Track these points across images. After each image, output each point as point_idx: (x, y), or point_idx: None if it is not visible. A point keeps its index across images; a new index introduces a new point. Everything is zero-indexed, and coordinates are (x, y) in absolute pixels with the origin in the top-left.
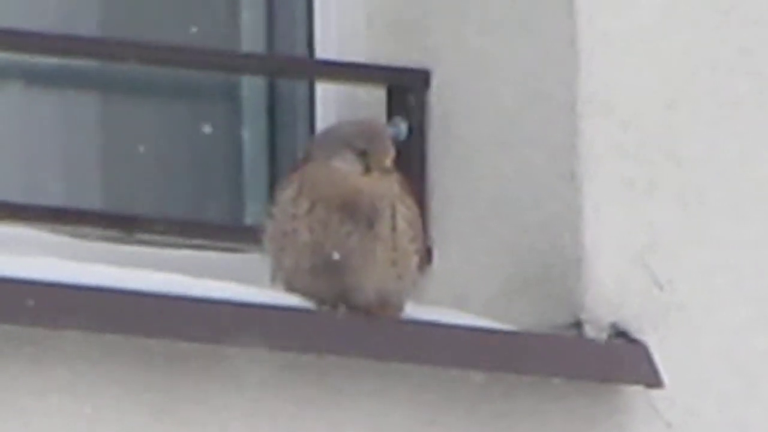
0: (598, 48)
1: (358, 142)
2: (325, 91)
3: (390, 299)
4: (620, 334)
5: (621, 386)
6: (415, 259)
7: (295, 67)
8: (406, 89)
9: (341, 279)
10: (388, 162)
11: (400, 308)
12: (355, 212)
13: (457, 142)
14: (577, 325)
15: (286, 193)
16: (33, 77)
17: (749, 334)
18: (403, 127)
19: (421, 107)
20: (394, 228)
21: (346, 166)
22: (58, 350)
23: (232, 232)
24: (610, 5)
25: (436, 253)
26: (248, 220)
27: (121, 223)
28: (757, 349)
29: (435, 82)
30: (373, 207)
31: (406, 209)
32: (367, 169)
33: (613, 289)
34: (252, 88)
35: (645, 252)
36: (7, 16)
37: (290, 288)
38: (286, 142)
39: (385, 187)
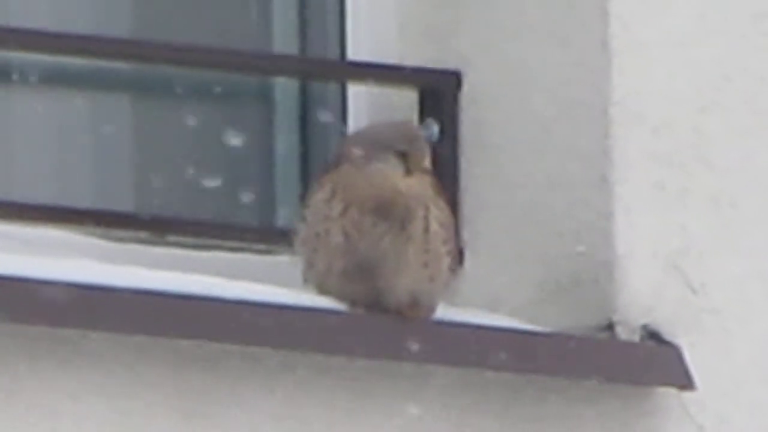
0: (631, 53)
1: (399, 144)
2: (357, 93)
3: (421, 301)
4: (652, 336)
5: (653, 389)
6: (447, 261)
7: (327, 69)
8: (438, 91)
9: (373, 281)
10: (427, 162)
11: (432, 310)
12: (389, 214)
13: (489, 146)
14: (610, 327)
15: (319, 196)
16: (65, 79)
17: None
18: (435, 129)
19: (453, 110)
20: (426, 229)
21: (387, 168)
22: (89, 352)
23: (263, 235)
24: (643, 11)
25: (468, 256)
26: (280, 223)
27: (152, 225)
28: None
29: (467, 85)
30: (407, 208)
31: (438, 211)
32: (408, 171)
33: (645, 292)
34: (284, 90)
35: (677, 256)
36: (39, 18)
37: (322, 290)
38: (319, 144)
39: (421, 188)
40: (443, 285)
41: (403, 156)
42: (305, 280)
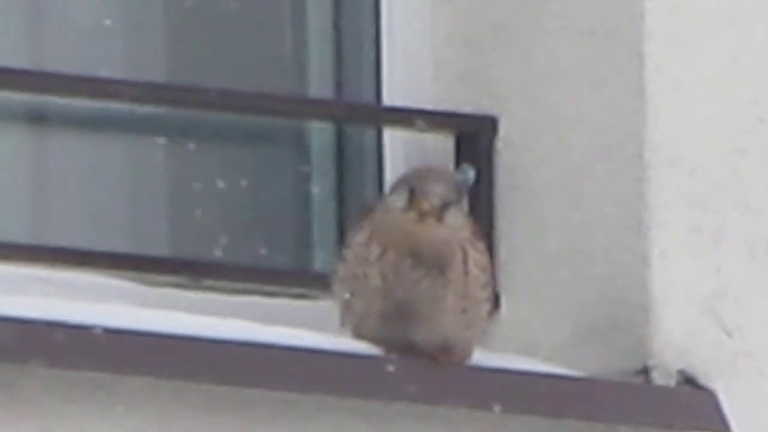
0: (666, 97)
1: (411, 180)
2: (393, 137)
3: (456, 347)
4: (688, 380)
5: None
6: (485, 308)
7: (362, 113)
8: (474, 136)
9: (410, 325)
10: (426, 206)
11: (467, 356)
12: (427, 258)
13: (524, 190)
14: (645, 371)
15: (358, 237)
16: (100, 124)
17: None
18: (471, 173)
19: (489, 154)
20: (466, 273)
21: (395, 201)
22: (125, 396)
23: (300, 279)
24: (678, 54)
25: (503, 300)
26: (317, 267)
27: (188, 270)
28: None
29: (502, 129)
30: (437, 252)
31: (478, 254)
32: (408, 207)
33: (681, 336)
34: (320, 134)
35: (713, 299)
36: (74, 61)
37: (359, 332)
38: (355, 188)
39: (446, 232)
40: (480, 331)
41: (411, 192)
42: (342, 322)
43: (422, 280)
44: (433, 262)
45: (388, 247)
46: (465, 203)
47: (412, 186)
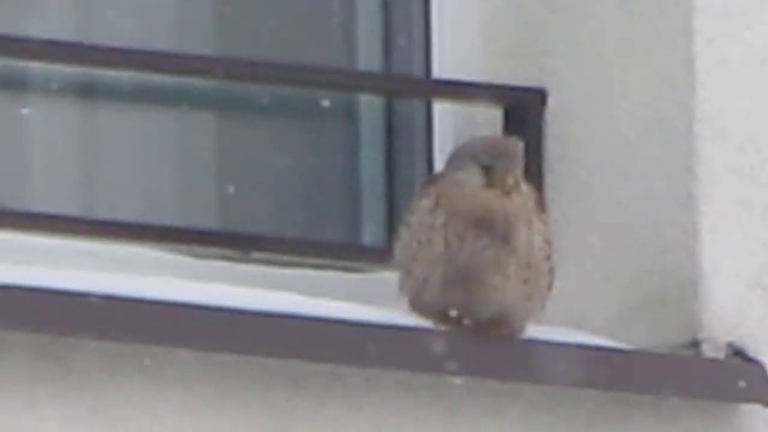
0: (716, 70)
1: (483, 157)
2: (442, 110)
3: (513, 318)
4: (737, 353)
5: (738, 405)
6: (546, 280)
7: (412, 86)
8: (522, 109)
9: (470, 292)
10: (510, 180)
11: (519, 330)
12: (491, 227)
13: (573, 163)
14: (695, 344)
15: (424, 203)
16: (150, 97)
17: None
18: (520, 146)
19: (538, 127)
20: (531, 244)
21: (469, 179)
22: (174, 370)
23: (349, 252)
24: (727, 29)
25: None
26: (366, 240)
27: (238, 243)
28: None
29: (551, 102)
30: (507, 222)
31: (542, 225)
32: (489, 185)
33: (730, 309)
34: (369, 107)
35: (762, 273)
36: (124, 35)
37: (416, 300)
38: (404, 161)
39: (517, 203)
40: (538, 305)
41: (487, 169)
42: (400, 289)
43: (487, 249)
44: (500, 231)
45: (454, 215)
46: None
47: (487, 163)
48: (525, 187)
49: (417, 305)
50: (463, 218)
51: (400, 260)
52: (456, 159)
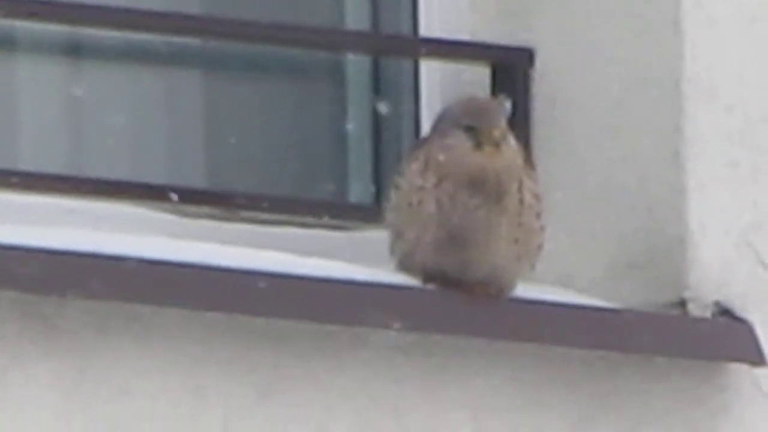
0: (704, 31)
1: (465, 119)
2: (429, 69)
3: (503, 278)
4: (724, 312)
5: (725, 365)
6: (537, 240)
7: (399, 45)
8: (510, 68)
9: (462, 252)
10: (496, 133)
11: (510, 289)
12: (484, 187)
13: (561, 122)
14: (682, 303)
15: (413, 166)
16: (137, 56)
17: None
18: (507, 105)
19: (526, 86)
20: (521, 202)
21: (457, 144)
22: (161, 328)
23: (336, 210)
24: None
25: None
26: (352, 199)
27: (224, 202)
28: None
29: (539, 61)
30: (499, 181)
31: (532, 183)
32: (477, 145)
33: (717, 269)
34: (356, 66)
35: (749, 232)
36: None
37: (408, 261)
38: (391, 120)
39: (508, 160)
40: (529, 265)
41: (472, 130)
42: (391, 252)
43: (479, 208)
44: (492, 190)
45: (445, 177)
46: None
47: (470, 124)
48: (513, 142)
49: (407, 267)
50: (454, 180)
51: (390, 223)
52: (440, 125)
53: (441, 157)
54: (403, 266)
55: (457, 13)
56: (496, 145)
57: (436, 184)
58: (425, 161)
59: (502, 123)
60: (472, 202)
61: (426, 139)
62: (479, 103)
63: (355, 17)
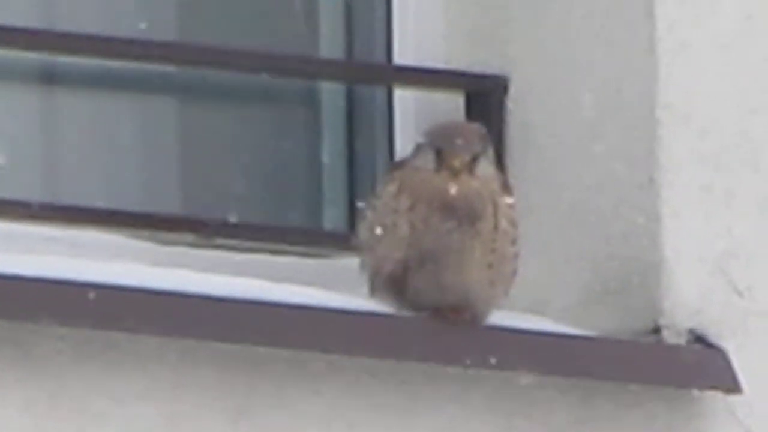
0: (678, 56)
1: (435, 141)
2: (403, 96)
3: (476, 304)
4: (699, 339)
5: (700, 392)
6: (511, 266)
7: (373, 73)
8: (484, 95)
9: (435, 276)
10: (457, 163)
11: (484, 315)
12: (456, 211)
13: (535, 148)
14: (656, 330)
15: (389, 188)
16: (112, 82)
17: None
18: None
19: (500, 113)
20: (495, 226)
21: (424, 164)
22: (135, 355)
23: (310, 238)
24: (689, 13)
25: None
26: (327, 226)
27: (199, 228)
28: None
29: (513, 87)
30: (470, 206)
31: (508, 209)
32: (438, 168)
33: (692, 296)
34: (330, 93)
35: (724, 259)
36: (86, 21)
37: (377, 278)
38: (365, 147)
39: (473, 186)
40: (502, 292)
41: (438, 153)
42: (361, 269)
43: (452, 232)
44: (465, 214)
45: (419, 201)
46: (492, 154)
47: (438, 146)
48: (485, 170)
49: (377, 286)
50: (427, 203)
51: (363, 240)
52: (417, 145)
53: (410, 176)
54: (373, 284)
55: (431, 41)
56: (455, 172)
57: (410, 207)
58: (399, 184)
59: (469, 151)
60: (445, 225)
61: (403, 161)
62: (452, 127)
63: (330, 45)
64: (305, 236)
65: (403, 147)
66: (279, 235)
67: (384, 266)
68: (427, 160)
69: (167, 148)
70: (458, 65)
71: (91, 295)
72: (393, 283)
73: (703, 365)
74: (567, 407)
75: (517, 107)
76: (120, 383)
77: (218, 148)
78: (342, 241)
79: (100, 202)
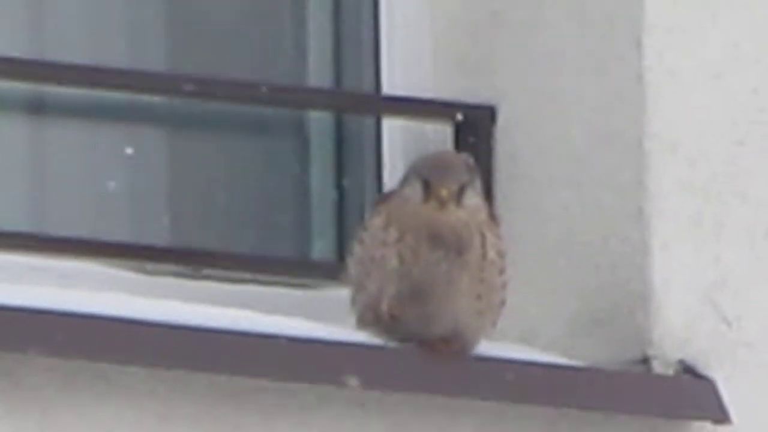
0: (666, 85)
1: (423, 171)
2: (391, 126)
3: (465, 334)
4: (688, 370)
5: (688, 423)
6: (499, 296)
7: (362, 102)
8: (472, 125)
9: (423, 307)
10: (443, 193)
11: (473, 345)
12: (443, 241)
13: (523, 178)
14: (645, 361)
15: (376, 221)
16: (100, 113)
17: None
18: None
19: (488, 143)
20: (483, 257)
21: (412, 195)
22: (125, 386)
23: (299, 268)
24: (677, 43)
25: None
26: (315, 256)
27: (188, 259)
28: None
29: (501, 118)
30: (456, 235)
31: (496, 239)
32: (425, 198)
33: (680, 326)
34: (319, 123)
35: (713, 289)
36: (74, 52)
37: (367, 313)
38: (353, 177)
39: (460, 217)
40: (491, 321)
41: (425, 184)
42: (352, 304)
43: (440, 262)
44: (452, 244)
45: (406, 232)
46: (479, 184)
47: (425, 176)
48: (472, 201)
49: (367, 320)
50: (414, 234)
51: (352, 275)
52: (405, 175)
53: (397, 208)
54: (363, 319)
55: (420, 71)
56: (442, 202)
57: (398, 239)
58: (387, 216)
59: (456, 182)
60: (433, 256)
61: (390, 193)
62: (439, 158)
63: (318, 75)
64: (293, 267)
65: (391, 176)
66: (267, 266)
67: (379, 304)
68: (415, 191)
69: (155, 178)
70: (446, 95)
71: (80, 326)
72: (389, 319)
73: (691, 396)
74: None
75: (504, 138)
76: (108, 414)
77: (206, 178)
78: (330, 271)
79: (87, 233)
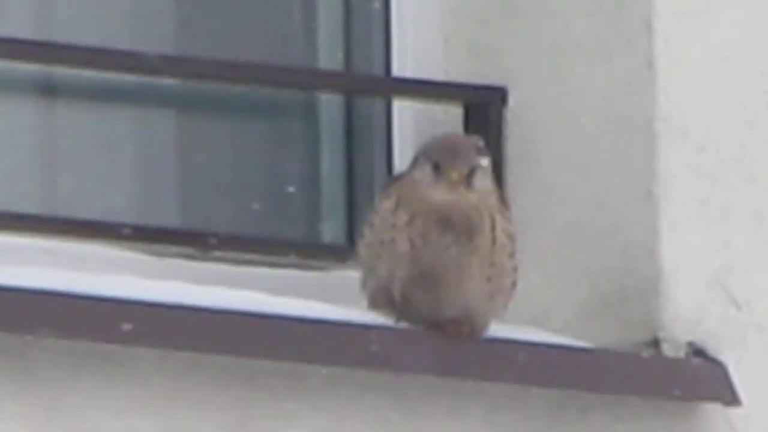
0: (675, 70)
1: (433, 154)
2: (402, 108)
3: (475, 317)
4: (698, 352)
5: (698, 404)
6: (510, 279)
7: (372, 85)
8: (483, 107)
9: (434, 291)
10: (455, 175)
11: (484, 328)
12: (455, 225)
13: (534, 162)
14: (655, 343)
15: (386, 204)
16: (110, 95)
17: None
18: (480, 144)
19: (498, 125)
20: (494, 241)
21: (422, 177)
22: (133, 368)
23: (308, 250)
24: (687, 27)
25: None
26: (325, 238)
27: (197, 241)
28: None
29: (512, 100)
30: (466, 218)
31: (506, 222)
32: (436, 181)
33: (690, 309)
34: (329, 106)
35: (722, 272)
36: (83, 33)
37: (378, 295)
38: (363, 159)
39: (470, 199)
40: (502, 304)
41: (435, 166)
42: (363, 287)
43: (450, 246)
44: (462, 228)
45: (416, 214)
46: (489, 166)
47: (435, 159)
48: (483, 183)
49: (378, 302)
50: (423, 217)
51: (363, 259)
52: (415, 158)
53: (407, 190)
54: (374, 301)
55: (430, 53)
56: (452, 186)
57: (408, 222)
58: (397, 199)
59: (467, 165)
60: (443, 240)
61: (400, 176)
62: (449, 141)
63: (328, 57)
64: (303, 249)
65: (401, 159)
66: (277, 248)
67: (390, 287)
68: (425, 174)
69: (165, 160)
70: (456, 77)
71: (90, 307)
72: (400, 301)
73: (702, 378)
74: (566, 420)
75: (515, 120)
76: (118, 396)
77: (216, 160)
78: (340, 253)
79: (98, 215)
